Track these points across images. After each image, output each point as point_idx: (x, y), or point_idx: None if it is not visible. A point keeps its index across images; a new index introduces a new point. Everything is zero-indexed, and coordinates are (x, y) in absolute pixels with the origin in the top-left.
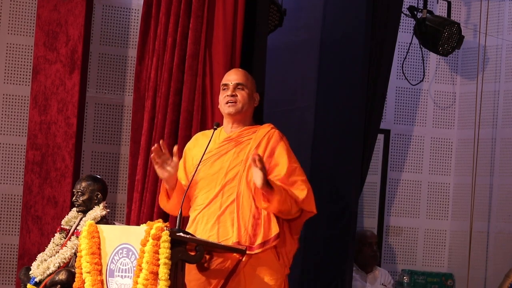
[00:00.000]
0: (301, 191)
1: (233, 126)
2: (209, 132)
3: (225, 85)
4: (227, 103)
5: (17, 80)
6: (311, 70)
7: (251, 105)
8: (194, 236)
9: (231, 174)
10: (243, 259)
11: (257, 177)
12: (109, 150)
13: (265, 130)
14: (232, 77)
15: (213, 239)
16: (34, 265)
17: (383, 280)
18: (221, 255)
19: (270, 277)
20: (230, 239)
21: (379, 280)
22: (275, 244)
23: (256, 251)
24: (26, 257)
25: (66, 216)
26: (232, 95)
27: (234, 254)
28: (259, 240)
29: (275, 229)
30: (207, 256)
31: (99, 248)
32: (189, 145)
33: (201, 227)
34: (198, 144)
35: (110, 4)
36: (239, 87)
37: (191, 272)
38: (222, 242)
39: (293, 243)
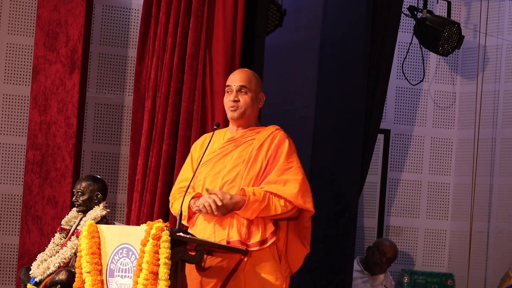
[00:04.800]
0: (291, 190)
1: (238, 128)
2: (216, 133)
3: (229, 86)
4: (230, 107)
5: (17, 80)
6: (311, 70)
7: (255, 108)
8: (194, 236)
9: (232, 174)
10: (245, 258)
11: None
12: (109, 150)
13: (269, 131)
14: (236, 78)
15: (211, 238)
16: (34, 265)
17: (385, 282)
18: (220, 254)
19: (271, 277)
20: (225, 239)
21: (382, 282)
22: (273, 242)
23: (253, 248)
24: (26, 257)
25: (66, 216)
26: (234, 101)
27: (235, 253)
28: (256, 239)
29: (270, 227)
30: (206, 256)
31: (99, 248)
32: (195, 144)
33: (201, 226)
34: (205, 144)
35: (110, 4)
36: (242, 90)
37: (191, 272)
38: (218, 242)
39: (297, 248)
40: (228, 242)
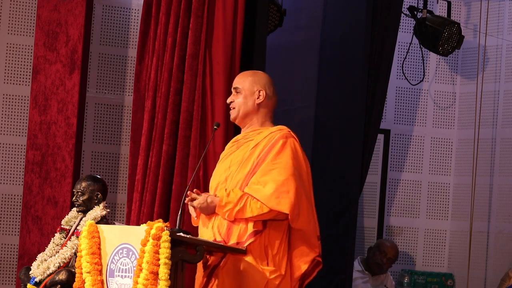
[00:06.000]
0: (266, 191)
1: (244, 128)
2: (235, 138)
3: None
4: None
5: (17, 80)
6: (311, 70)
7: (249, 105)
8: (194, 236)
9: (224, 175)
10: (225, 257)
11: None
12: (109, 150)
13: (270, 131)
14: (234, 81)
15: (206, 237)
16: (34, 265)
17: (385, 282)
18: (215, 254)
19: (246, 278)
20: (211, 239)
21: (382, 282)
22: (250, 243)
23: None
24: (26, 257)
25: (66, 216)
26: (230, 103)
27: (218, 253)
28: (233, 240)
29: (250, 228)
30: (208, 256)
31: (99, 248)
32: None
33: (200, 226)
34: (227, 149)
35: (110, 4)
36: (237, 91)
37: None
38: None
39: (300, 250)
40: (214, 241)
